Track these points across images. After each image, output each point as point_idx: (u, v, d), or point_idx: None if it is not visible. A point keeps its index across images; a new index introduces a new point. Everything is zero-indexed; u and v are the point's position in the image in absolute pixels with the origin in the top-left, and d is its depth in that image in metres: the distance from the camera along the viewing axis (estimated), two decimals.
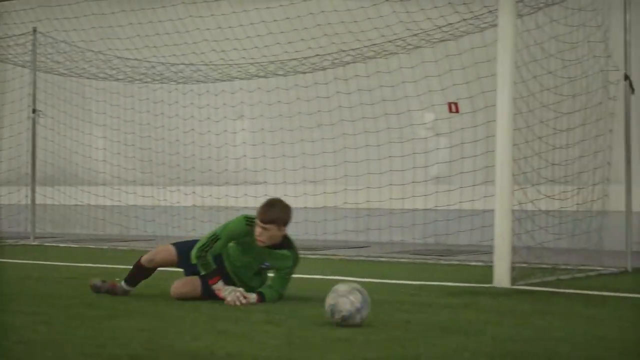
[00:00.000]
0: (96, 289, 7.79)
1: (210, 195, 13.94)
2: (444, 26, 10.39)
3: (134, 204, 15.23)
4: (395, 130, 12.46)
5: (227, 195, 13.69)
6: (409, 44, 11.01)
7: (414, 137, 12.44)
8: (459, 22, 10.28)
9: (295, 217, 13.05)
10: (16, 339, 5.59)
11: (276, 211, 7.18)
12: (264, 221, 7.11)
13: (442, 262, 11.40)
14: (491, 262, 8.97)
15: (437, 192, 12.26)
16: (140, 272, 7.62)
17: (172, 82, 13.49)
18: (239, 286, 7.38)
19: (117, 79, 13.01)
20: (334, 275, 9.62)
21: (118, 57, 12.71)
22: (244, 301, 7.14)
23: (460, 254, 11.90)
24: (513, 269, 8.84)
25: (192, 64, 12.63)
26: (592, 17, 10.10)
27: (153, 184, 14.96)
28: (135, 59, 12.62)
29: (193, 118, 13.74)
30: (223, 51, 11.94)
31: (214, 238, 7.28)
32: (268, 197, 7.51)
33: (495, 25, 9.05)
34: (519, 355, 5.26)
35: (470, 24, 10.17)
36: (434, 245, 12.83)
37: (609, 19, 10.18)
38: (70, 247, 13.57)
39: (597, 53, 10.15)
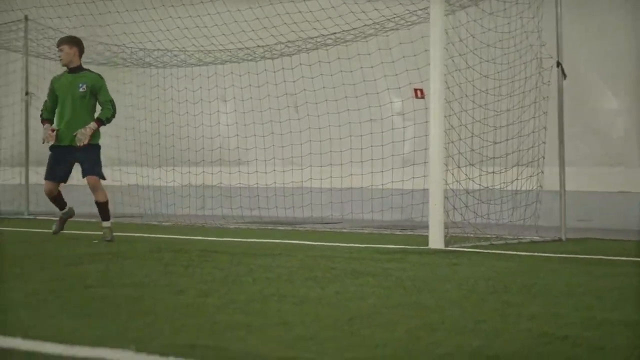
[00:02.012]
0: (60, 227, 10.72)
1: (189, 173, 14.89)
2: (393, 17, 11.36)
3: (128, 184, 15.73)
4: (354, 111, 13.43)
5: (204, 172, 14.68)
6: (362, 33, 11.99)
7: (371, 119, 13.38)
8: (403, 13, 11.25)
9: (265, 193, 14.11)
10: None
11: (63, 37, 10.45)
12: (57, 45, 10.23)
13: (397, 232, 12.28)
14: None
15: (392, 168, 13.17)
16: (55, 202, 10.68)
17: (152, 67, 14.48)
18: (75, 126, 10.01)
19: (100, 63, 13.99)
20: (296, 240, 10.64)
21: (100, 43, 13.70)
22: (50, 140, 10.13)
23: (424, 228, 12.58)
24: (446, 234, 9.81)
25: (168, 50, 13.63)
26: (526, 9, 11.07)
27: (143, 164, 15.63)
28: (115, 45, 13.64)
29: (172, 100, 14.73)
30: (194, 38, 12.95)
31: (45, 101, 10.33)
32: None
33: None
34: (408, 289, 6.28)
35: (415, 15, 11.14)
36: (404, 221, 13.45)
37: (542, 10, 11.13)
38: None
39: (532, 42, 11.13)
